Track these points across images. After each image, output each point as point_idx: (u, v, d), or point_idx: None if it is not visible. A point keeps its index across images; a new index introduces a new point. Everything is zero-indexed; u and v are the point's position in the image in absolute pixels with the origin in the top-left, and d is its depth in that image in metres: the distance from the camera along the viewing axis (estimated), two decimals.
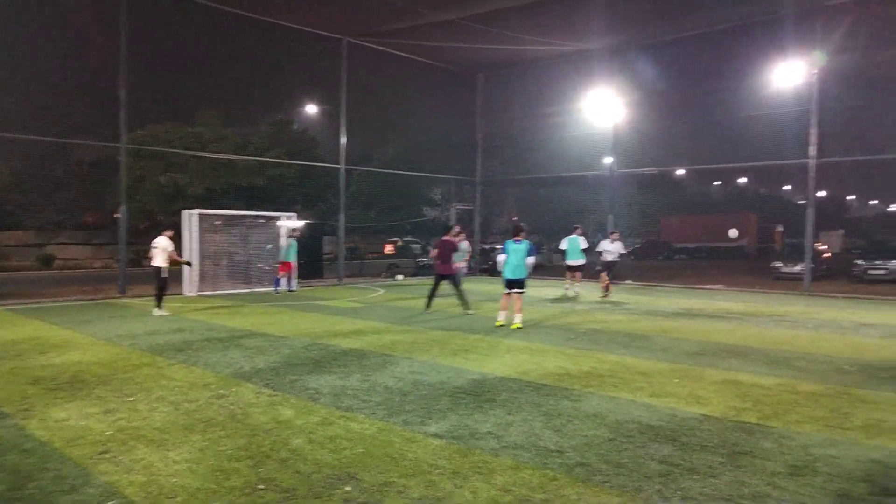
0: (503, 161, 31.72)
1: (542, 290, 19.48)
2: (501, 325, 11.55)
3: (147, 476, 4.45)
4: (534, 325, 11.76)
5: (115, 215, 17.36)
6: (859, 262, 24.04)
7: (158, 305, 13.03)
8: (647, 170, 26.62)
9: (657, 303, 16.03)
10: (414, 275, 26.11)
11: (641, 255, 45.43)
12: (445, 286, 13.93)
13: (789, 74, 18.73)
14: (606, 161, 23.59)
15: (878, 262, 22.72)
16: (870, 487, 4.25)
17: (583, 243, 17.83)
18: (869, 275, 22.28)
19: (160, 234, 13.13)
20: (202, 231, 18.12)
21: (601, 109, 22.73)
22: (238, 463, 4.70)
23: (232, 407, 6.18)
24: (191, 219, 17.81)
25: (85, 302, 15.66)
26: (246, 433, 5.38)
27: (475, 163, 27.29)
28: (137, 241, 29.19)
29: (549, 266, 35.54)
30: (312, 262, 23.37)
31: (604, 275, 17.58)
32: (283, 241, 18.69)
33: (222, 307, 14.77)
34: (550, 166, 27.08)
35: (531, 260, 11.53)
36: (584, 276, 18.67)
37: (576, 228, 18.25)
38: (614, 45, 21.80)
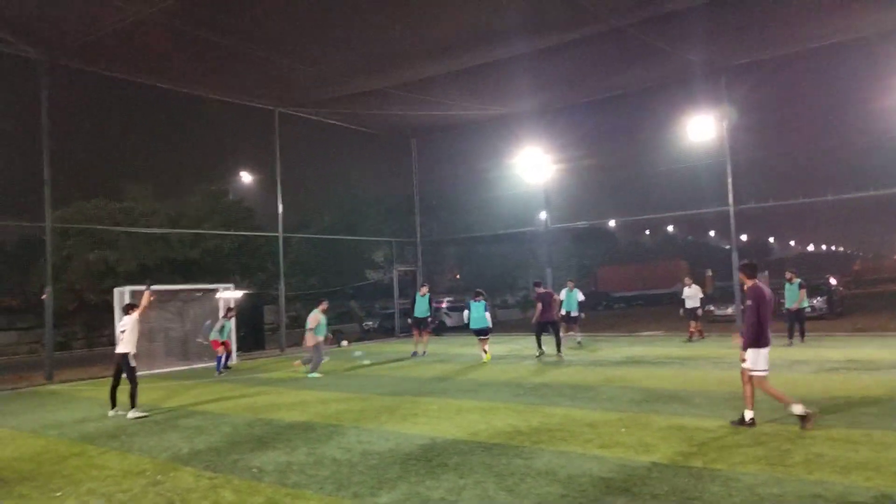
0: (440, 221, 32.24)
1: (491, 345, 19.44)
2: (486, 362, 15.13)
3: None
4: (482, 383, 11.73)
5: (42, 297, 16.46)
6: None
7: (134, 405, 9.96)
8: (579, 223, 27.54)
9: (600, 352, 16.28)
10: (359, 339, 25.70)
11: (582, 307, 46.26)
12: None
13: (702, 129, 19.98)
14: (541, 217, 24.28)
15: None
16: None
17: (579, 296, 19.46)
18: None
19: (126, 312, 10.28)
20: None
21: (532, 168, 23.56)
22: None
23: (169, 493, 5.87)
24: (122, 296, 17.12)
25: (6, 392, 14.65)
26: None
27: (414, 224, 27.56)
28: (66, 324, 27.83)
29: (496, 322, 35.69)
30: (253, 332, 22.72)
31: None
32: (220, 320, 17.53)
33: (159, 387, 14.11)
34: (488, 224, 27.70)
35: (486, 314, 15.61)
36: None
37: (570, 282, 20.07)
38: (538, 106, 22.78)
